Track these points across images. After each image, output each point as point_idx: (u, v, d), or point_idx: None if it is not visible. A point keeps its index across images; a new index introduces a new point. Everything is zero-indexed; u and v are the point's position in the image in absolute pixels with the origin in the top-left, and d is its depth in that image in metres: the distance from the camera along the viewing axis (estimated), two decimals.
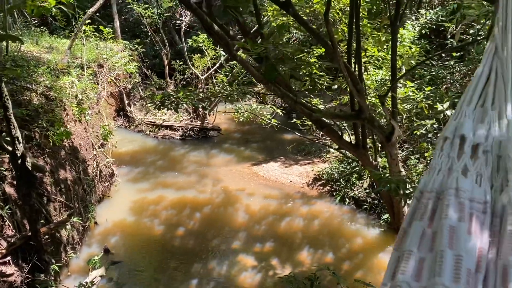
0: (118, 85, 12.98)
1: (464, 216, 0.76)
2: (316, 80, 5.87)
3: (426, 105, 8.72)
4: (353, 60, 5.33)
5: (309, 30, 4.45)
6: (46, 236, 5.65)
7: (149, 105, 10.60)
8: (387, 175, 6.52)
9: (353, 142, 7.11)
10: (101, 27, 12.12)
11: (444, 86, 10.62)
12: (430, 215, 0.80)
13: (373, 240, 8.23)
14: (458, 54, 10.85)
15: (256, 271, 7.37)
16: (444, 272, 0.69)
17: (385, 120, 8.12)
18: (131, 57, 14.16)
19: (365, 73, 8.37)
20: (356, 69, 5.51)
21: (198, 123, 13.79)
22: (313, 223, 8.90)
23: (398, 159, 6.94)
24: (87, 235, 8.15)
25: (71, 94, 8.86)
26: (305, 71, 6.62)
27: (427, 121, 8.77)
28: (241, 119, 9.48)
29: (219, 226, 8.76)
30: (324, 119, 5.85)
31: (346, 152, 8.60)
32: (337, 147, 8.42)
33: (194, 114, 13.90)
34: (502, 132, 0.91)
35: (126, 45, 14.77)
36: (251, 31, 6.13)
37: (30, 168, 5.21)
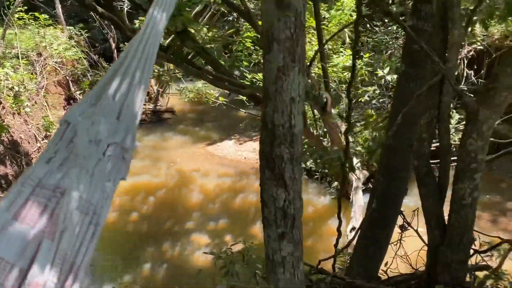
0: (62, 73, 12.51)
1: (16, 205, 0.74)
2: (243, 56, 5.81)
3: (366, 72, 8.85)
4: None
5: (228, 4, 4.39)
6: None
7: (77, 92, 10.33)
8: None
9: None
10: (37, 14, 11.56)
11: (389, 52, 10.78)
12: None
13: (323, 208, 8.45)
14: (401, 19, 10.98)
15: (210, 248, 7.45)
16: None
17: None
18: (76, 42, 13.63)
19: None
20: None
21: (151, 106, 13.54)
22: None
23: (338, 127, 7.06)
24: None
25: (6, 87, 8.51)
26: (240, 48, 6.55)
27: (369, 88, 8.94)
28: (185, 100, 9.37)
29: (173, 208, 8.77)
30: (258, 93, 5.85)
31: None
32: None
33: (146, 97, 13.60)
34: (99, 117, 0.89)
35: (71, 31, 14.16)
36: None
37: None
